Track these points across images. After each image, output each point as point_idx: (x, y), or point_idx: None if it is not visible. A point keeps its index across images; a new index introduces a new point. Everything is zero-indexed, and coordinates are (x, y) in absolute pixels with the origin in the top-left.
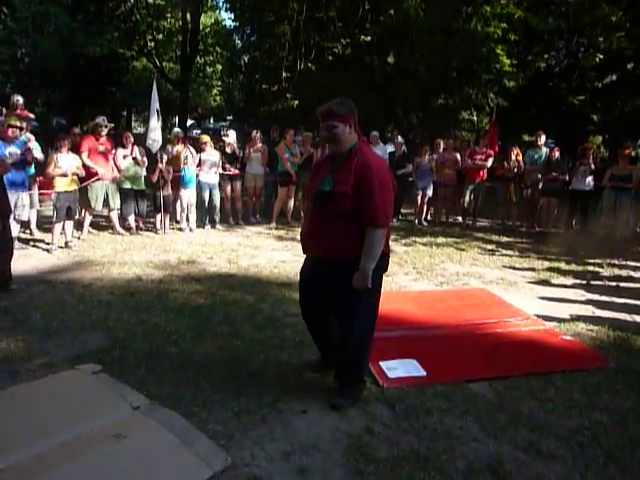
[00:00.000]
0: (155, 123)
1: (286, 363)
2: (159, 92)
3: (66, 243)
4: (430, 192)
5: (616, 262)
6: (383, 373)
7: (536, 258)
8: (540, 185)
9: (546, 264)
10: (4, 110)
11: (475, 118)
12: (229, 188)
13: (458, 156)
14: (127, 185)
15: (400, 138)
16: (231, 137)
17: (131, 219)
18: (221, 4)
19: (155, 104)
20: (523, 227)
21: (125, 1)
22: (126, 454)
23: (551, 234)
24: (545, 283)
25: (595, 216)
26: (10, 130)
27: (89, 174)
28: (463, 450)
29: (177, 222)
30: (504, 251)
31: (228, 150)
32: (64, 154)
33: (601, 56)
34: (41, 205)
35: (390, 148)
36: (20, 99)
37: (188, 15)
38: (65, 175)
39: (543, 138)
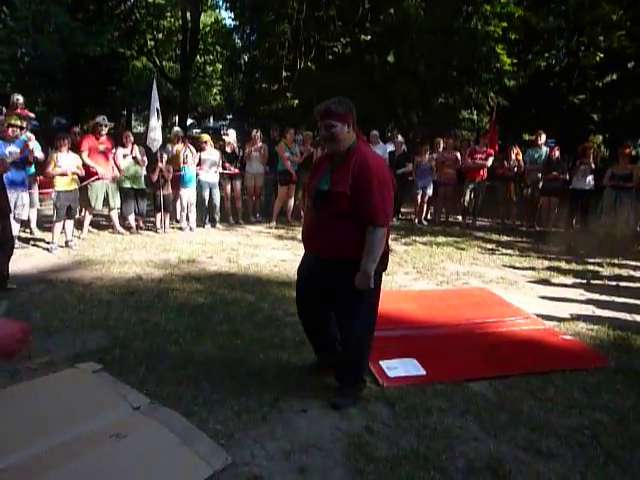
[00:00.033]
0: (155, 122)
1: (286, 362)
2: (159, 91)
3: (66, 242)
4: (430, 191)
5: (616, 261)
6: (383, 372)
7: (536, 257)
8: (540, 184)
9: (546, 263)
10: (4, 109)
11: (475, 117)
12: (229, 187)
13: (458, 155)
14: (127, 184)
15: (400, 137)
16: (231, 136)
17: (131, 218)
18: (221, 3)
19: (155, 103)
20: (523, 226)
21: (125, 0)
22: (126, 453)
23: (551, 233)
24: (545, 282)
25: (595, 215)
26: (10, 129)
27: (89, 173)
28: (463, 449)
29: (177, 221)
30: (504, 250)
31: (228, 149)
32: (64, 153)
33: (601, 55)
34: (41, 204)
35: (390, 147)
36: (20, 98)
37: (188, 14)
38: (65, 174)
39: (543, 137)
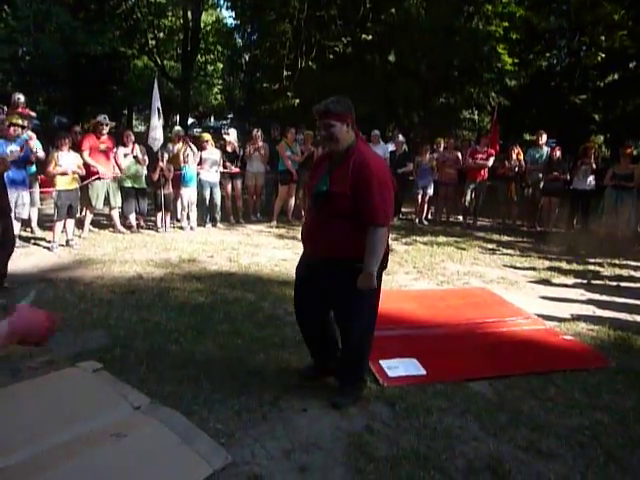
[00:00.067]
0: (156, 121)
1: (287, 361)
2: (160, 90)
3: (67, 241)
4: (431, 191)
5: (617, 262)
6: (383, 372)
7: (537, 257)
8: (541, 184)
9: (547, 263)
10: (6, 108)
11: (476, 117)
12: (230, 186)
13: (459, 155)
14: (128, 183)
15: (401, 137)
16: (232, 135)
17: (132, 217)
18: (222, 2)
19: (156, 102)
20: (524, 226)
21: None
22: (126, 453)
23: (552, 233)
24: (546, 282)
25: (596, 215)
26: (12, 128)
27: (90, 172)
28: (463, 449)
29: (178, 220)
30: (505, 250)
31: (229, 148)
32: (65, 152)
33: (603, 55)
34: (42, 203)
35: (391, 147)
36: (21, 97)
37: (189, 13)
38: (66, 173)
39: (544, 137)
